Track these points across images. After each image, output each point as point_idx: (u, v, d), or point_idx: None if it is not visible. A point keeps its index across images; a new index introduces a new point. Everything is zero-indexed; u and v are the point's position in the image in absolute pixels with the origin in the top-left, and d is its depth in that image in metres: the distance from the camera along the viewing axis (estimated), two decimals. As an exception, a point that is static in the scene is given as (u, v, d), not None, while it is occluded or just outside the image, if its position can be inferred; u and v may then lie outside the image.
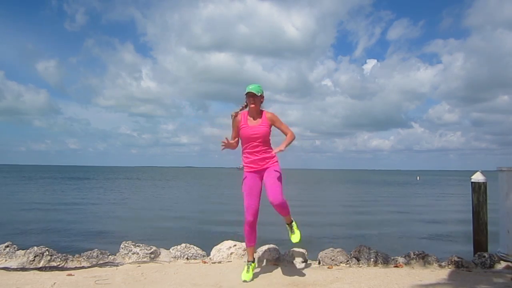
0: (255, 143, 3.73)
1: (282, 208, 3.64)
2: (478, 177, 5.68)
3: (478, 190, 5.65)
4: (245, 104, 3.83)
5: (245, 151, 3.80)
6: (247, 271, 3.66)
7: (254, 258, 3.83)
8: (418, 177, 79.95)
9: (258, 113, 3.79)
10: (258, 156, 3.75)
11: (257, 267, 4.13)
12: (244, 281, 3.56)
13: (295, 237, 3.86)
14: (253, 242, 3.78)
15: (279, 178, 3.69)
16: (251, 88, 3.70)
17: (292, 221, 3.89)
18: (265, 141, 3.77)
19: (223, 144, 3.63)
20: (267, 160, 3.76)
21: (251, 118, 3.79)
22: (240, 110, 3.86)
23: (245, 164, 3.80)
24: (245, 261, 3.84)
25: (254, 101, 3.72)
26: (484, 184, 5.65)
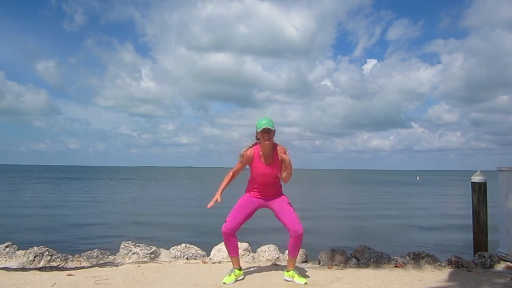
0: (267, 180, 3.62)
1: (300, 242, 3.53)
2: (478, 177, 5.69)
3: (478, 190, 5.65)
4: (256, 140, 3.63)
5: (254, 183, 3.66)
6: (229, 275, 3.61)
7: (240, 267, 3.72)
8: (418, 177, 79.97)
9: (271, 149, 3.57)
10: (267, 190, 3.64)
11: (257, 267, 4.14)
12: (224, 283, 3.52)
13: (302, 279, 3.58)
14: (234, 253, 3.68)
15: (293, 208, 3.63)
16: (265, 123, 3.46)
17: (294, 269, 3.66)
18: (276, 178, 3.67)
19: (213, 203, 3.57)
20: (275, 193, 3.68)
21: (264, 155, 3.57)
22: (251, 146, 3.64)
23: (251, 192, 3.67)
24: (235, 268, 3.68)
25: (269, 137, 3.50)
26: (484, 184, 5.66)
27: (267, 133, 3.47)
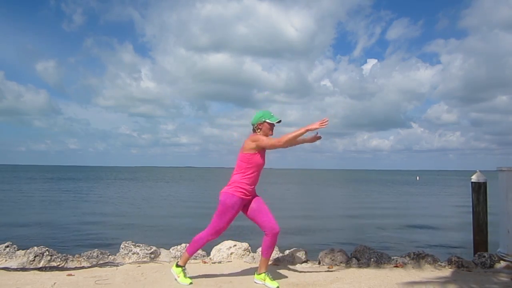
0: (259, 172, 3.58)
1: (275, 241, 3.47)
2: (478, 177, 5.69)
3: (478, 190, 5.65)
4: (258, 131, 3.58)
5: (252, 178, 3.51)
6: (185, 276, 3.55)
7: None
8: (417, 177, 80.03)
9: None
10: (256, 184, 3.57)
11: (257, 267, 4.13)
12: (190, 283, 3.48)
13: (274, 283, 3.44)
14: (193, 254, 3.67)
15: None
16: (278, 117, 3.52)
17: (266, 272, 3.52)
18: None
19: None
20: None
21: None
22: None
23: (244, 189, 3.46)
24: (184, 268, 3.62)
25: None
26: (484, 184, 5.66)
27: (274, 126, 3.59)
